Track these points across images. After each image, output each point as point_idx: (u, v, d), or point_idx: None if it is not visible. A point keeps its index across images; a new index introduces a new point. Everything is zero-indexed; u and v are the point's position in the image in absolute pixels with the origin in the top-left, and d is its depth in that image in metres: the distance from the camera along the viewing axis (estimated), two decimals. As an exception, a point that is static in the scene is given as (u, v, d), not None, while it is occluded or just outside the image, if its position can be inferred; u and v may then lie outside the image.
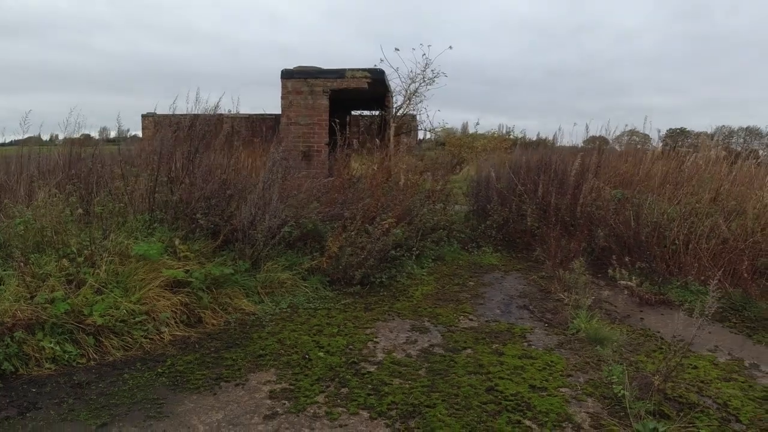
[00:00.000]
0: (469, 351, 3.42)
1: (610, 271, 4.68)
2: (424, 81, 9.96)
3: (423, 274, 5.39)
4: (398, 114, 10.57)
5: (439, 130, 11.47)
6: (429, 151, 22.70)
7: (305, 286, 4.82)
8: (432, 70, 9.95)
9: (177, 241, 4.59)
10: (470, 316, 4.16)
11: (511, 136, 17.55)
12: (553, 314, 4.22)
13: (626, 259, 4.84)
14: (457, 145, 17.20)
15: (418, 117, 14.22)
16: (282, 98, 8.78)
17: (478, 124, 24.49)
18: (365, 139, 11.17)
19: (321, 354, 3.40)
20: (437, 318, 4.10)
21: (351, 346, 3.54)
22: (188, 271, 4.34)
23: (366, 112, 12.70)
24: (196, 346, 3.69)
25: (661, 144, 9.32)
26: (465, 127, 21.93)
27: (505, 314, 4.25)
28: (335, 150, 6.93)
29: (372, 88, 8.83)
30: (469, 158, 15.42)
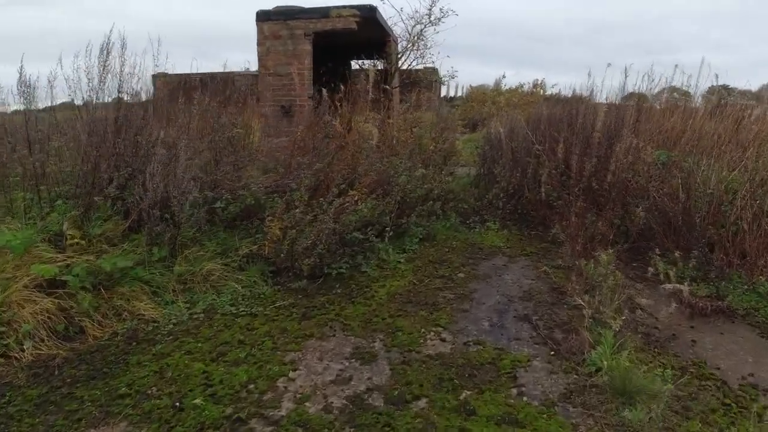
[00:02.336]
0: (422, 404, 2.23)
1: (651, 268, 3.35)
2: (431, 22, 8.40)
3: (399, 261, 4.17)
4: (403, 62, 9.10)
5: (448, 78, 9.90)
6: (457, 107, 20.91)
7: (239, 280, 3.71)
8: (440, 9, 8.37)
9: (65, 225, 3.51)
10: (443, 333, 2.94)
11: (540, 91, 15.68)
12: (566, 332, 2.96)
13: (677, 254, 3.49)
14: (479, 101, 15.52)
15: (440, 70, 12.61)
16: (258, 45, 7.47)
17: (504, 77, 22.22)
18: (370, 92, 9.80)
19: (199, 401, 2.28)
20: (395, 335, 2.90)
21: (252, 385, 2.41)
22: (70, 265, 3.28)
23: (369, 63, 11.20)
24: (55, 372, 2.65)
25: (702, 101, 8.03)
26: (498, 82, 19.90)
27: (496, 329, 3.01)
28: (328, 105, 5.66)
29: (364, 29, 7.40)
30: (492, 114, 13.77)
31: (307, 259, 3.66)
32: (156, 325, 3.12)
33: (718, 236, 4.15)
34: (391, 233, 4.24)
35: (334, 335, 2.93)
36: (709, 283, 3.69)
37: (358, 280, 3.77)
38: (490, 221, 5.31)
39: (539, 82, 16.05)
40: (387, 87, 7.13)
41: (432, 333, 2.94)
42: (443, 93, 25.78)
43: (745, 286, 3.63)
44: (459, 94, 22.98)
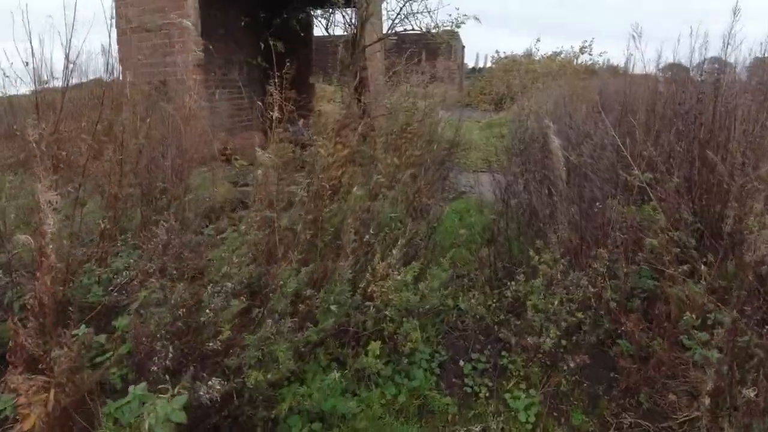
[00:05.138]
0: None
1: None
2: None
3: None
4: (387, 7, 5.74)
5: (457, 25, 6.43)
6: (481, 79, 17.08)
7: None
8: None
9: None
10: None
11: (581, 61, 11.96)
12: None
13: None
14: (505, 70, 11.95)
15: (461, 34, 9.15)
16: (115, -24, 4.28)
17: (539, 40, 18.12)
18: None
19: None
20: None
21: None
22: None
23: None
24: None
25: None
26: (530, 51, 15.93)
27: None
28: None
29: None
30: (525, 87, 10.24)
31: None
32: None
33: None
34: None
35: None
36: None
37: None
38: (516, 376, 2.08)
39: (587, 45, 12.30)
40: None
41: None
42: (472, 64, 21.81)
43: None
44: (488, 65, 19.03)
